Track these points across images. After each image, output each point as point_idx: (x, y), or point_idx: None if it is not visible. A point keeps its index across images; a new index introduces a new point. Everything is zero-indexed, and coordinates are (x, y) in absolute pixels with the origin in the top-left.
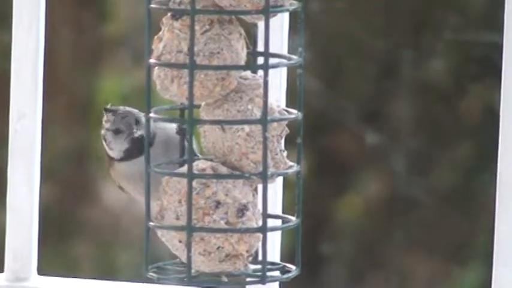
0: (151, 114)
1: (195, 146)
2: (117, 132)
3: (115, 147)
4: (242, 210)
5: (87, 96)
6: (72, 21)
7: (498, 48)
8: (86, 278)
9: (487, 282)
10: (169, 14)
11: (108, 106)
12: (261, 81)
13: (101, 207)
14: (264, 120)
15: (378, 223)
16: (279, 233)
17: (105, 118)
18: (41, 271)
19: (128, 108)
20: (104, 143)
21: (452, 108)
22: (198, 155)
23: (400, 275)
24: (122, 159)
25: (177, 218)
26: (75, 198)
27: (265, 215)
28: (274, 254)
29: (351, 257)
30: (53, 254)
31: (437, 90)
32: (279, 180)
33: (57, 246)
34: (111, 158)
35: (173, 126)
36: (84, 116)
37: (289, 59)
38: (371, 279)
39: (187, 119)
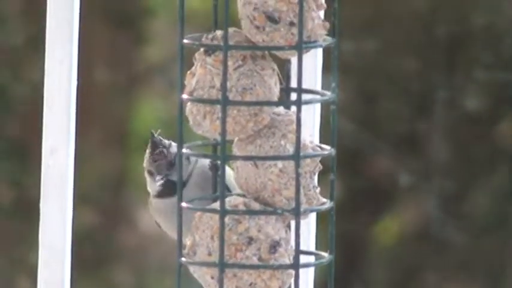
0: (184, 150)
1: (230, 181)
2: (150, 173)
3: (150, 186)
4: (275, 246)
5: (123, 122)
6: (107, 50)
7: None
8: None
9: None
10: (202, 50)
11: (156, 134)
12: (294, 117)
13: (138, 234)
14: (296, 156)
15: (411, 255)
16: (312, 270)
17: (147, 150)
18: None
19: (169, 144)
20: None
21: (485, 145)
22: (231, 190)
23: None
24: (155, 197)
25: (209, 254)
26: (112, 224)
27: (298, 251)
28: None
29: None
30: (91, 282)
31: (470, 126)
32: (312, 216)
33: (94, 274)
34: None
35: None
36: (121, 143)
37: (322, 95)
38: None
39: (219, 154)
